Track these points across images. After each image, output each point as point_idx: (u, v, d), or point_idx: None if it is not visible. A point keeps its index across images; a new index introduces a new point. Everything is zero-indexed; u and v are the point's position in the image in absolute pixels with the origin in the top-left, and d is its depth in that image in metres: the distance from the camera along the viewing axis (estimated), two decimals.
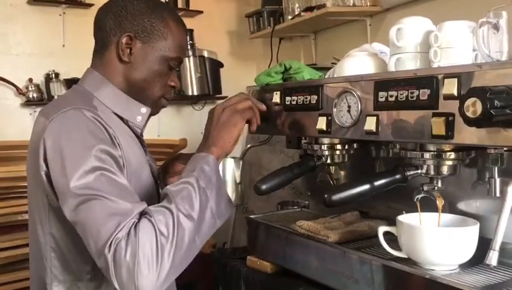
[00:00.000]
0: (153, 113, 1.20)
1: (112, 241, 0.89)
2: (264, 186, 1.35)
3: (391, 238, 1.13)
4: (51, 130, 1.00)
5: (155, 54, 1.13)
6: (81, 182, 0.94)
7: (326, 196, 1.13)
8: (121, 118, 1.14)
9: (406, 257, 1.10)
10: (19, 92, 2.75)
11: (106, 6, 1.16)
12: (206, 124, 1.15)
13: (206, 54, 3.10)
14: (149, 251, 0.89)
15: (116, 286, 0.90)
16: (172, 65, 1.16)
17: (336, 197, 1.13)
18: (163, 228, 0.92)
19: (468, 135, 0.94)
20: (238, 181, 1.30)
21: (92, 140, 0.99)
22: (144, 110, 1.17)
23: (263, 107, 1.23)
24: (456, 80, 0.96)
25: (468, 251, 1.05)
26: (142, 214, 0.95)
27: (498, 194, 1.09)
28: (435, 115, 0.99)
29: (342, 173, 1.48)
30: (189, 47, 2.98)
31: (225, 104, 1.15)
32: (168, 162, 1.37)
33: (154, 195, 1.18)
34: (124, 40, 1.11)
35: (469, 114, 0.88)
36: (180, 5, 3.15)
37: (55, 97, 2.80)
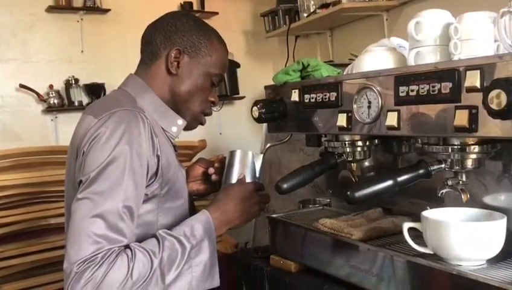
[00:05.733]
0: (190, 128, 1.26)
1: (86, 261, 0.93)
2: (285, 186, 1.35)
3: (416, 234, 1.11)
4: (97, 127, 1.03)
5: (200, 69, 1.19)
6: (95, 184, 0.98)
7: (348, 192, 1.12)
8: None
9: (432, 252, 1.08)
10: (40, 98, 2.80)
11: (156, 23, 1.22)
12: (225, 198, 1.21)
13: None
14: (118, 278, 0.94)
15: None
16: (214, 81, 1.23)
17: (359, 193, 1.12)
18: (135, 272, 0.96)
19: (492, 128, 0.93)
20: (257, 176, 1.29)
21: (128, 148, 1.01)
22: (181, 121, 1.21)
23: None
24: (478, 72, 0.94)
25: (496, 245, 1.03)
26: (127, 246, 0.98)
27: None
28: (457, 108, 0.98)
29: (364, 169, 1.47)
30: None
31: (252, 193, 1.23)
32: (189, 166, 1.39)
33: (186, 197, 1.22)
34: (173, 53, 1.17)
35: (493, 106, 0.86)
36: (195, 7, 3.17)
37: (76, 103, 2.85)
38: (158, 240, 1.02)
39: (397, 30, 2.32)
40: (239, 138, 3.16)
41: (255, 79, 3.10)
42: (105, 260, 0.93)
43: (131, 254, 0.96)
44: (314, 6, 2.63)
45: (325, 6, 2.53)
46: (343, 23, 2.77)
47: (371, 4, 2.42)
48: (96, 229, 0.95)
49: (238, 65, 3.18)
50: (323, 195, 1.74)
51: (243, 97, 3.25)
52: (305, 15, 2.69)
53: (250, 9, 3.40)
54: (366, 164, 1.49)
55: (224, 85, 3.11)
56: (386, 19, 2.48)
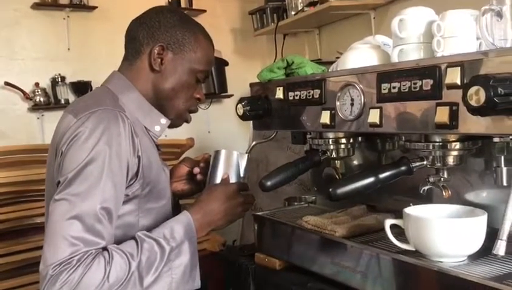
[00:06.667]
0: (174, 125, 1.24)
1: (62, 263, 0.92)
2: (269, 183, 1.35)
3: (399, 231, 1.11)
4: (76, 126, 1.02)
5: (184, 65, 1.17)
6: (72, 185, 0.96)
7: (331, 189, 1.12)
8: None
9: (414, 249, 1.08)
10: (26, 96, 2.77)
11: (140, 18, 1.20)
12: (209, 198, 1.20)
13: None
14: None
15: None
16: (199, 78, 1.21)
17: (341, 190, 1.12)
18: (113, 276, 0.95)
19: (472, 124, 0.93)
20: (242, 175, 1.28)
21: (107, 148, 1.00)
22: (164, 121, 1.19)
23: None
24: (458, 68, 0.95)
25: (477, 241, 1.03)
26: (105, 249, 0.97)
27: (505, 183, 1.07)
28: (438, 104, 0.98)
29: (348, 167, 1.47)
30: None
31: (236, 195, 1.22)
32: (174, 165, 1.38)
33: (169, 197, 1.21)
34: (156, 49, 1.15)
35: (472, 103, 0.87)
36: (183, 4, 3.15)
37: (62, 101, 2.82)
38: (137, 242, 1.01)
39: (384, 28, 2.32)
40: (228, 136, 3.15)
41: (243, 77, 3.06)
42: (82, 262, 0.92)
43: (109, 257, 0.95)
44: (302, 5, 2.63)
45: (312, 4, 2.53)
46: (331, 21, 2.78)
47: (359, 2, 2.42)
48: (72, 232, 0.93)
49: (226, 63, 3.17)
50: (310, 192, 1.75)
51: (231, 95, 3.24)
52: (293, 13, 2.69)
53: (238, 7, 3.39)
54: (351, 161, 1.49)
55: (213, 83, 3.10)
56: (374, 17, 2.49)
